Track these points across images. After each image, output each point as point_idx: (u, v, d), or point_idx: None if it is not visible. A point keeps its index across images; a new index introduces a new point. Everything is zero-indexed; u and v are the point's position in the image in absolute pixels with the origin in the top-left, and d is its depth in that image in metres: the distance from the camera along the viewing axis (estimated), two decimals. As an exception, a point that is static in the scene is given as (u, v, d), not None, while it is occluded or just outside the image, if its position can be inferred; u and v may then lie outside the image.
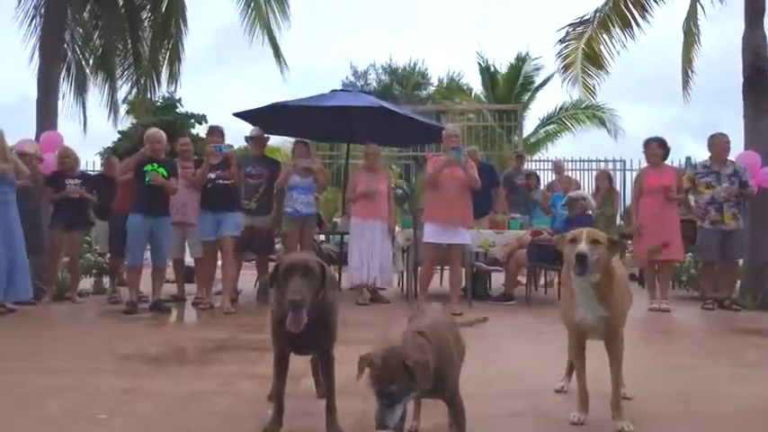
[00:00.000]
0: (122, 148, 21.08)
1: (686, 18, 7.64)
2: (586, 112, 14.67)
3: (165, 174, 5.91)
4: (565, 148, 16.82)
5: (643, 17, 8.11)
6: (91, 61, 8.54)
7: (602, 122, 15.28)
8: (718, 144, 6.42)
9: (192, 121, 23.51)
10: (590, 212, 6.62)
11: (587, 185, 11.63)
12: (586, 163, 12.09)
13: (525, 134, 16.15)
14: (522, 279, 7.37)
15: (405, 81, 43.42)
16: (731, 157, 6.55)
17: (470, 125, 13.28)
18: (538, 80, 16.25)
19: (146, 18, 8.01)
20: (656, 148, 6.35)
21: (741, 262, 6.70)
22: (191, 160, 6.78)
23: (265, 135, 6.96)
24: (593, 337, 2.44)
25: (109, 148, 22.74)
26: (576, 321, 2.39)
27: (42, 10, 7.28)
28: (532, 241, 6.60)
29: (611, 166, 11.98)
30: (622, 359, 2.42)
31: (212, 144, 5.94)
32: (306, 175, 6.64)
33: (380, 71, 43.73)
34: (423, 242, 6.03)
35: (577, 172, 11.86)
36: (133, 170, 5.84)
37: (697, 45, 7.61)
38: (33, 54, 7.97)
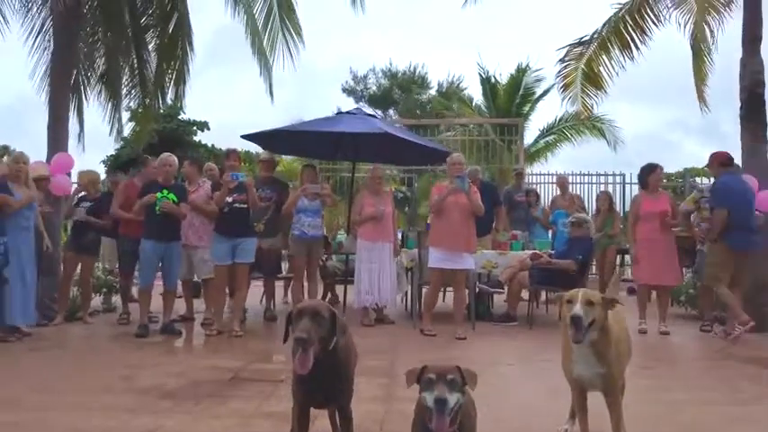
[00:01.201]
0: (125, 154, 21.27)
1: (692, 37, 7.68)
2: (586, 124, 14.81)
3: (175, 199, 6.06)
4: (564, 158, 16.97)
5: (642, 41, 8.27)
6: (92, 80, 8.67)
7: (602, 134, 15.44)
8: None
9: (195, 128, 23.71)
10: (591, 236, 6.80)
11: (587, 199, 11.79)
12: (586, 177, 12.23)
13: (525, 144, 16.34)
14: (525, 295, 7.51)
15: (404, 85, 43.68)
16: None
17: (471, 138, 13.45)
18: (538, 91, 16.41)
19: (151, 39, 8.14)
20: (659, 174, 6.55)
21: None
22: (197, 184, 6.93)
23: (275, 158, 7.12)
24: (592, 390, 2.59)
25: (111, 155, 22.92)
26: (574, 376, 2.54)
27: (50, 33, 7.39)
28: (534, 264, 6.76)
29: (610, 180, 12.15)
30: (621, 409, 2.57)
31: (230, 172, 6.03)
32: (314, 199, 6.79)
33: (380, 75, 43.98)
34: (428, 267, 6.17)
35: (577, 186, 11.99)
36: (145, 209, 5.97)
37: (708, 60, 7.70)
38: (36, 69, 8.14)
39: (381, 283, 6.60)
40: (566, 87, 9.09)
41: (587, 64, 8.72)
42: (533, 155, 16.72)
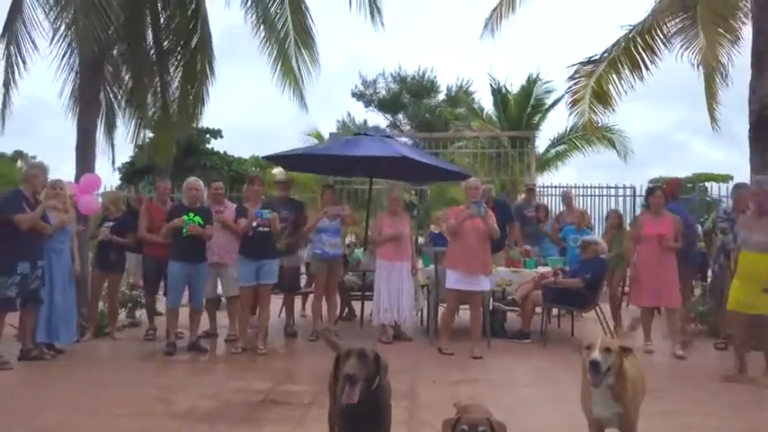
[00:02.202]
0: (139, 161, 21.60)
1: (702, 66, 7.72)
2: (596, 134, 14.94)
3: (201, 222, 6.30)
4: (575, 166, 17.11)
5: (652, 61, 8.42)
6: (121, 99, 8.92)
7: (612, 144, 15.60)
8: (737, 199, 6.74)
9: (208, 135, 24.06)
10: (603, 256, 6.97)
11: (597, 212, 11.97)
12: (596, 189, 12.40)
13: (536, 153, 16.52)
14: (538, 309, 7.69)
15: (414, 89, 43.85)
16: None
17: (483, 151, 13.68)
18: (549, 102, 16.60)
19: (174, 63, 8.39)
20: (661, 196, 6.63)
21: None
22: (223, 204, 7.18)
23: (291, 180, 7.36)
24: (609, 427, 2.79)
25: (126, 163, 23.29)
26: (593, 416, 2.75)
27: (76, 55, 7.63)
28: (547, 282, 6.95)
29: (620, 192, 12.31)
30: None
31: (255, 207, 6.27)
32: (334, 219, 7.03)
33: (389, 79, 44.19)
34: (446, 287, 6.38)
35: (587, 198, 12.17)
36: (173, 231, 6.22)
37: (720, 80, 7.77)
38: (64, 88, 8.38)
39: (401, 301, 6.82)
40: (574, 104, 9.22)
41: (597, 82, 8.85)
42: (544, 164, 16.91)
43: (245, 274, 6.28)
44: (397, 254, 6.89)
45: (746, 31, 6.80)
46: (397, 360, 5.97)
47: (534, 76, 16.59)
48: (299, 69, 8.34)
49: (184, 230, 6.18)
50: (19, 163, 35.52)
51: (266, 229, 6.27)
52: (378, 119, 45.14)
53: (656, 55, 8.44)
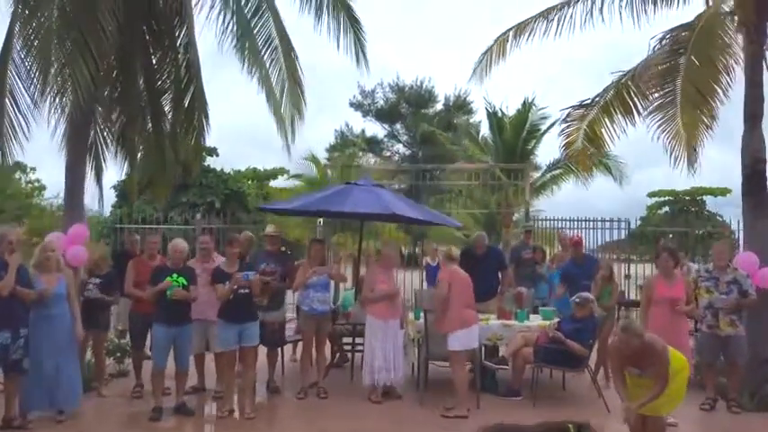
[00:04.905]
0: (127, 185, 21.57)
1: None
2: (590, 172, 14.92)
3: (186, 282, 6.25)
4: (569, 192, 17.05)
5: (645, 107, 8.35)
6: (109, 142, 8.87)
7: (608, 169, 15.55)
8: (717, 252, 6.70)
9: (204, 154, 24.01)
10: (596, 314, 6.92)
11: (588, 243, 11.91)
12: (591, 222, 12.36)
13: (532, 178, 16.51)
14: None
15: (412, 99, 43.91)
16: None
17: (477, 183, 13.68)
18: (544, 127, 16.57)
19: (168, 111, 8.35)
20: (668, 260, 6.49)
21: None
22: (211, 258, 7.12)
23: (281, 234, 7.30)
24: None
25: (121, 181, 23.17)
26: None
27: (67, 107, 7.56)
28: (538, 341, 6.90)
29: (615, 225, 12.28)
30: None
31: (240, 273, 6.21)
32: (323, 273, 6.98)
33: (387, 89, 44.28)
34: (452, 350, 6.40)
35: (581, 231, 12.12)
36: (158, 294, 6.16)
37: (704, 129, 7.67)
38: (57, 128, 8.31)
39: (396, 360, 6.76)
40: (568, 146, 9.18)
41: (590, 125, 8.80)
42: (539, 188, 16.88)
43: (226, 338, 6.23)
44: (390, 312, 6.82)
45: (722, 111, 6.71)
46: (388, 421, 6.06)
47: (530, 101, 16.56)
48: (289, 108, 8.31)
49: (169, 293, 6.12)
50: (17, 174, 35.42)
51: (246, 290, 6.22)
52: (375, 128, 45.35)
53: (649, 100, 8.37)
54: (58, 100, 7.36)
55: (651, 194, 33.42)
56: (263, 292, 6.62)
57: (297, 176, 18.39)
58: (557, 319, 7.44)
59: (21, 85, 7.44)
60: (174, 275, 6.22)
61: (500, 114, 16.96)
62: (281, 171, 28.87)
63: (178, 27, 8.29)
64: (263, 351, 7.04)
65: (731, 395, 6.64)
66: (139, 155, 8.76)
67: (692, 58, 6.57)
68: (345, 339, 8.32)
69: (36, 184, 29.44)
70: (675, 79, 6.71)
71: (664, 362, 4.54)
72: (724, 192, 31.21)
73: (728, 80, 6.67)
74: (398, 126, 45.04)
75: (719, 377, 6.84)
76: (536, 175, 16.91)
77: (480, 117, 36.21)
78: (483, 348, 7.30)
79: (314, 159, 16.61)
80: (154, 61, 8.44)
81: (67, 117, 7.62)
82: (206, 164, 24.53)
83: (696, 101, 6.39)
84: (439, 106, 44.27)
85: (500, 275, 8.51)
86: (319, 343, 7.13)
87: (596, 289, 7.68)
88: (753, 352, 6.91)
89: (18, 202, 26.42)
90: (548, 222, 12.59)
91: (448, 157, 20.20)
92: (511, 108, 17.53)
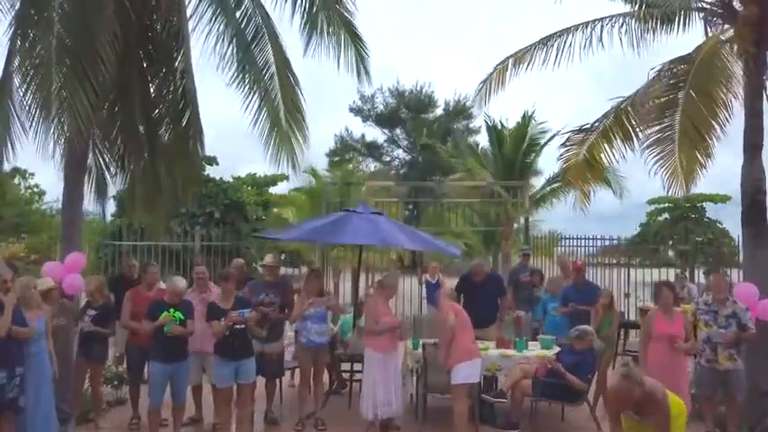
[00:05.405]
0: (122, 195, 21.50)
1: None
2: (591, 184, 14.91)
3: (182, 317, 6.23)
4: (569, 205, 17.04)
5: (644, 133, 8.32)
6: (111, 166, 8.84)
7: (608, 183, 15.50)
8: (715, 285, 6.67)
9: (203, 163, 23.98)
10: (595, 347, 6.89)
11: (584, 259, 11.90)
12: (586, 241, 12.34)
13: (532, 191, 16.54)
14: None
15: (411, 104, 43.87)
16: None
17: (480, 201, 13.70)
18: (543, 140, 16.54)
19: (164, 135, 8.31)
20: (668, 295, 6.47)
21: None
22: (207, 287, 7.10)
23: (279, 264, 7.28)
24: None
25: (119, 191, 23.17)
26: None
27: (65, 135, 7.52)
28: (537, 373, 6.87)
29: (607, 243, 12.26)
30: None
31: (235, 311, 6.18)
32: (320, 305, 6.95)
33: (387, 94, 44.24)
34: (455, 384, 6.39)
35: (579, 249, 12.13)
36: (154, 328, 6.14)
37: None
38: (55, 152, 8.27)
39: (397, 393, 6.71)
40: (566, 171, 9.17)
41: (589, 150, 8.77)
42: (539, 200, 16.88)
43: (222, 375, 6.20)
44: (391, 345, 6.76)
45: (718, 149, 6.71)
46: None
47: (529, 114, 16.55)
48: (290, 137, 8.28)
49: (166, 329, 6.10)
50: (17, 179, 35.34)
51: (242, 326, 6.19)
52: (375, 133, 45.29)
53: (646, 135, 8.34)
54: (56, 129, 7.37)
55: (651, 201, 33.37)
56: (262, 324, 6.60)
57: (297, 189, 18.37)
58: (557, 349, 7.43)
59: (17, 112, 7.44)
60: (171, 310, 6.20)
61: (500, 127, 16.93)
62: (282, 177, 28.85)
63: (176, 51, 8.25)
64: (261, 380, 7.05)
65: (730, 429, 6.61)
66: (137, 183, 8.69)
67: (691, 92, 6.53)
68: (343, 365, 8.31)
69: (35, 190, 29.42)
70: (674, 113, 6.67)
71: (665, 410, 4.51)
72: (724, 199, 31.07)
73: (727, 115, 6.64)
74: (398, 131, 45.01)
75: (719, 406, 6.82)
76: (536, 187, 16.92)
77: (479, 122, 36.14)
78: (482, 378, 7.26)
79: (313, 173, 16.62)
80: (152, 88, 8.39)
81: (65, 142, 7.62)
82: (206, 173, 24.51)
83: (694, 139, 6.36)
84: (439, 111, 44.23)
85: (499, 301, 8.50)
86: (317, 374, 7.11)
87: (596, 318, 7.67)
88: (752, 384, 6.87)
89: (18, 208, 26.39)
90: (542, 240, 12.57)
91: (448, 167, 20.19)
92: (511, 120, 17.50)
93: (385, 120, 44.43)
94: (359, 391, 7.08)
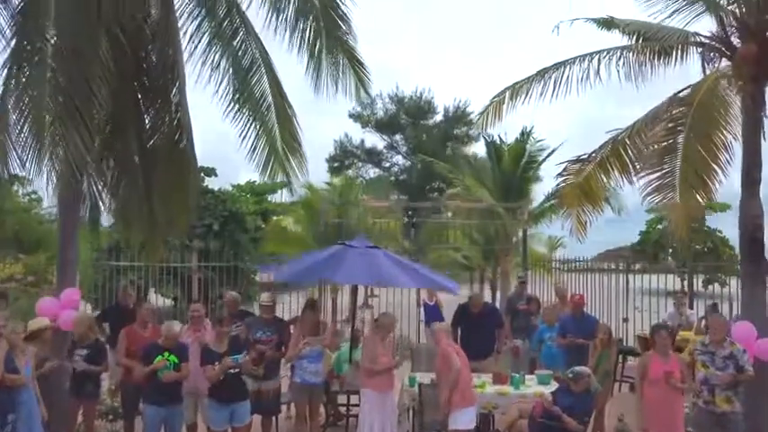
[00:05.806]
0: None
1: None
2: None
3: (177, 361, 6.19)
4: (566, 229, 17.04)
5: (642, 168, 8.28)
6: (105, 196, 8.79)
7: (607, 200, 15.47)
8: (713, 326, 6.62)
9: (202, 174, 23.91)
10: (592, 389, 6.83)
11: (585, 290, 11.82)
12: (590, 263, 12.30)
13: (532, 206, 16.50)
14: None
15: (411, 110, 43.80)
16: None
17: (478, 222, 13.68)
18: (541, 157, 16.49)
19: (160, 168, 8.27)
20: (666, 337, 6.44)
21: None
22: (202, 325, 7.07)
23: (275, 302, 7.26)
24: None
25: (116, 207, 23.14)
26: None
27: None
28: (534, 411, 6.82)
29: (613, 266, 12.22)
30: None
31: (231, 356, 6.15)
32: (315, 344, 6.91)
33: (387, 100, 44.15)
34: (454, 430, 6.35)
35: (579, 274, 12.07)
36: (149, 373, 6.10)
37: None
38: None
39: (391, 430, 6.69)
40: (563, 200, 9.12)
41: (586, 181, 8.72)
42: (538, 215, 16.82)
43: (217, 419, 6.18)
44: (387, 384, 6.75)
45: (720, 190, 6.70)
46: None
47: (528, 130, 16.49)
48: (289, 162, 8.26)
49: (160, 375, 6.06)
50: (15, 186, 35.33)
51: (236, 370, 6.16)
52: (375, 139, 45.19)
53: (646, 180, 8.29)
54: (48, 163, 7.33)
55: (649, 210, 33.32)
56: (258, 363, 6.57)
57: (294, 203, 18.34)
58: (555, 385, 7.38)
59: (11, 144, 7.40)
60: (166, 353, 6.17)
61: (498, 143, 16.88)
62: (282, 184, 28.81)
63: (171, 83, 8.21)
64: (257, 418, 7.01)
65: None
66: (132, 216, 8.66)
67: (691, 136, 6.48)
68: (340, 397, 8.26)
69: (33, 197, 29.34)
70: (674, 158, 6.62)
71: None
72: (723, 207, 31.03)
73: (728, 157, 6.60)
74: (398, 137, 44.94)
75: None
76: (536, 203, 16.89)
77: (478, 129, 36.13)
78: (478, 418, 7.22)
79: (311, 188, 16.56)
80: (147, 120, 8.34)
81: (58, 179, 7.57)
82: (204, 184, 24.46)
83: (695, 184, 6.32)
84: (438, 117, 44.14)
85: (497, 333, 8.47)
86: (312, 412, 7.09)
87: (594, 353, 7.62)
88: (750, 426, 6.83)
89: (17, 216, 26.33)
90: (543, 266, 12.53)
91: (447, 180, 20.16)
92: (510, 134, 17.45)
93: (384, 126, 44.32)
94: (355, 425, 7.04)
